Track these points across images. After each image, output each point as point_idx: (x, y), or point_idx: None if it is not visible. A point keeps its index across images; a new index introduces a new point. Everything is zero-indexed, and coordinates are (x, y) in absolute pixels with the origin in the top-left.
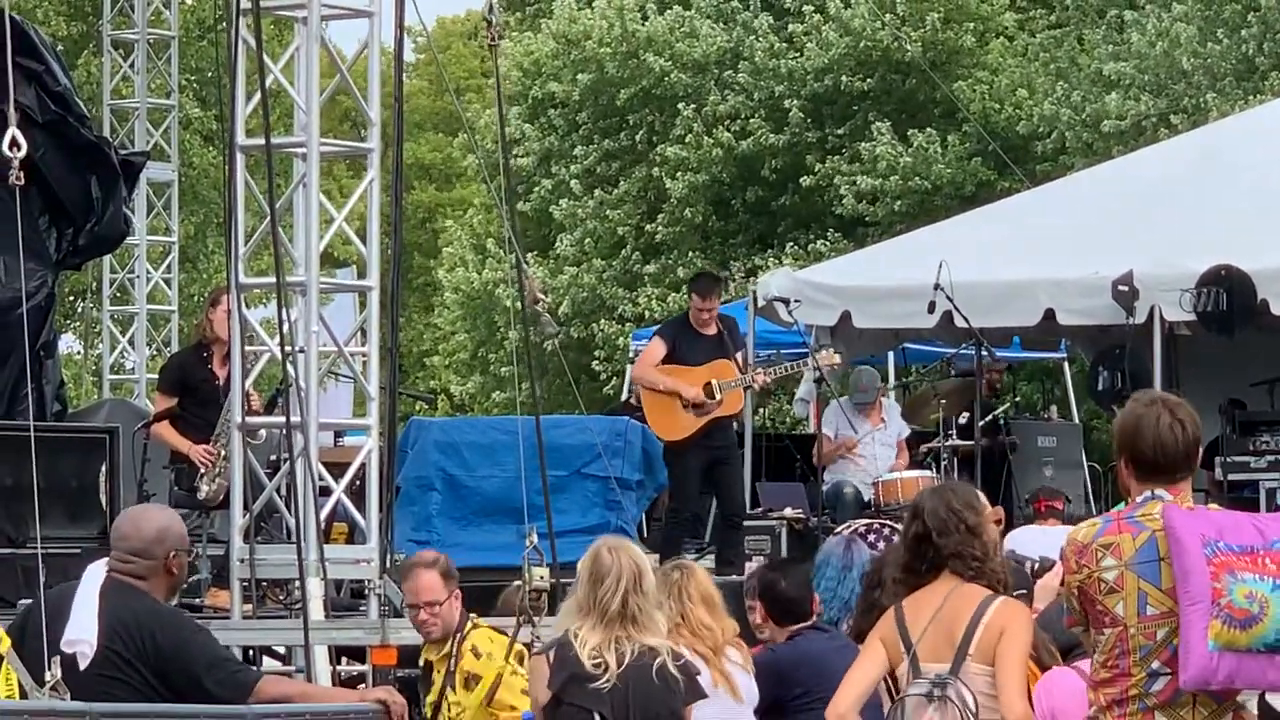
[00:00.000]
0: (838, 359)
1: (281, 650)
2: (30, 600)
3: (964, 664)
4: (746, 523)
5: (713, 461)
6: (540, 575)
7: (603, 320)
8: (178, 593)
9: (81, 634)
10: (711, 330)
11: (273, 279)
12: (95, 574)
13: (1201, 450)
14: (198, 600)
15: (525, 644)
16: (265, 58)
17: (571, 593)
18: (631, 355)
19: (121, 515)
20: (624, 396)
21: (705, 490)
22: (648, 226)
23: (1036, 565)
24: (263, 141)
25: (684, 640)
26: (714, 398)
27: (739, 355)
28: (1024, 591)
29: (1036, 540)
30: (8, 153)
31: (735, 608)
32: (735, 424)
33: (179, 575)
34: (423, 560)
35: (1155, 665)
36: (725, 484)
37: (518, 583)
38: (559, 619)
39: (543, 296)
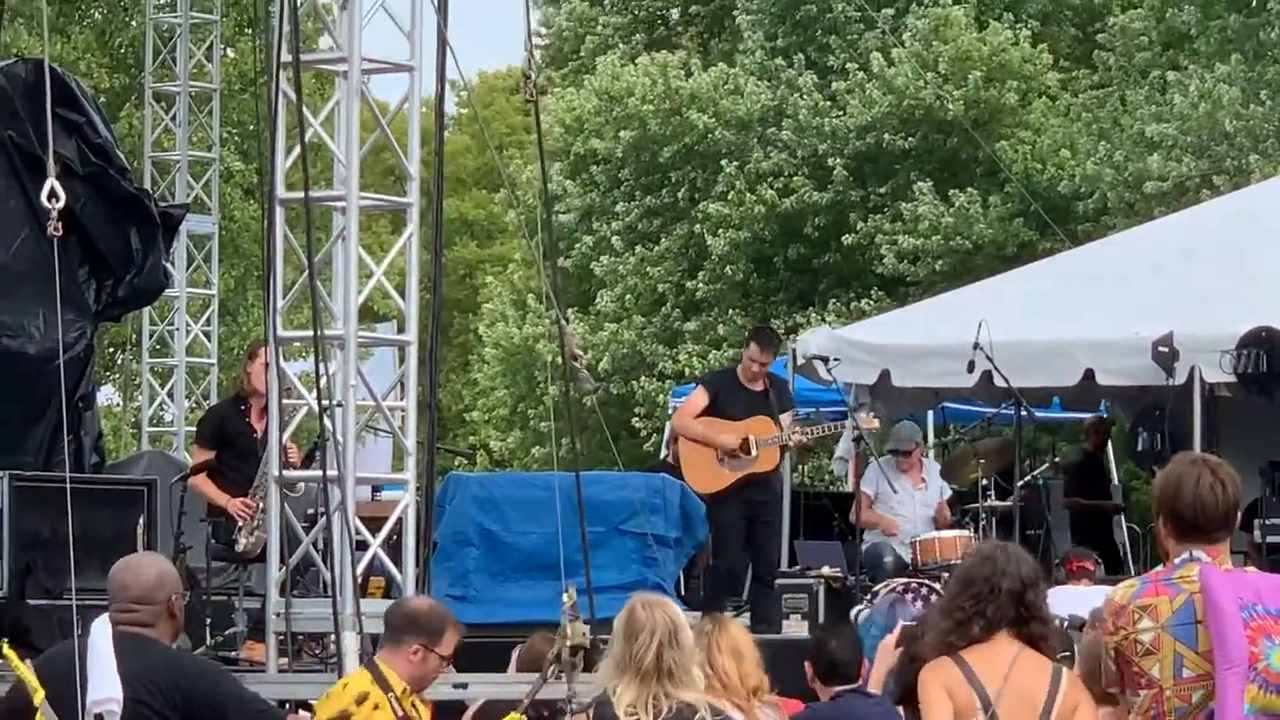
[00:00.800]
0: (876, 422)
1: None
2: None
3: None
4: (784, 580)
5: (751, 518)
6: (582, 631)
7: (643, 377)
8: (180, 635)
9: (107, 692)
10: (758, 386)
11: (311, 332)
12: (102, 630)
13: (1241, 512)
14: (234, 653)
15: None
16: (305, 111)
17: (609, 651)
18: (671, 412)
19: (116, 567)
20: (663, 454)
21: (745, 547)
22: (688, 283)
23: (1066, 623)
24: (302, 195)
25: (714, 692)
26: (750, 453)
27: (785, 416)
28: (1068, 654)
29: (1071, 601)
30: (46, 204)
31: (772, 666)
32: (777, 482)
33: (180, 617)
34: (453, 617)
35: None
36: (761, 542)
37: (540, 633)
38: (597, 677)
39: (581, 353)
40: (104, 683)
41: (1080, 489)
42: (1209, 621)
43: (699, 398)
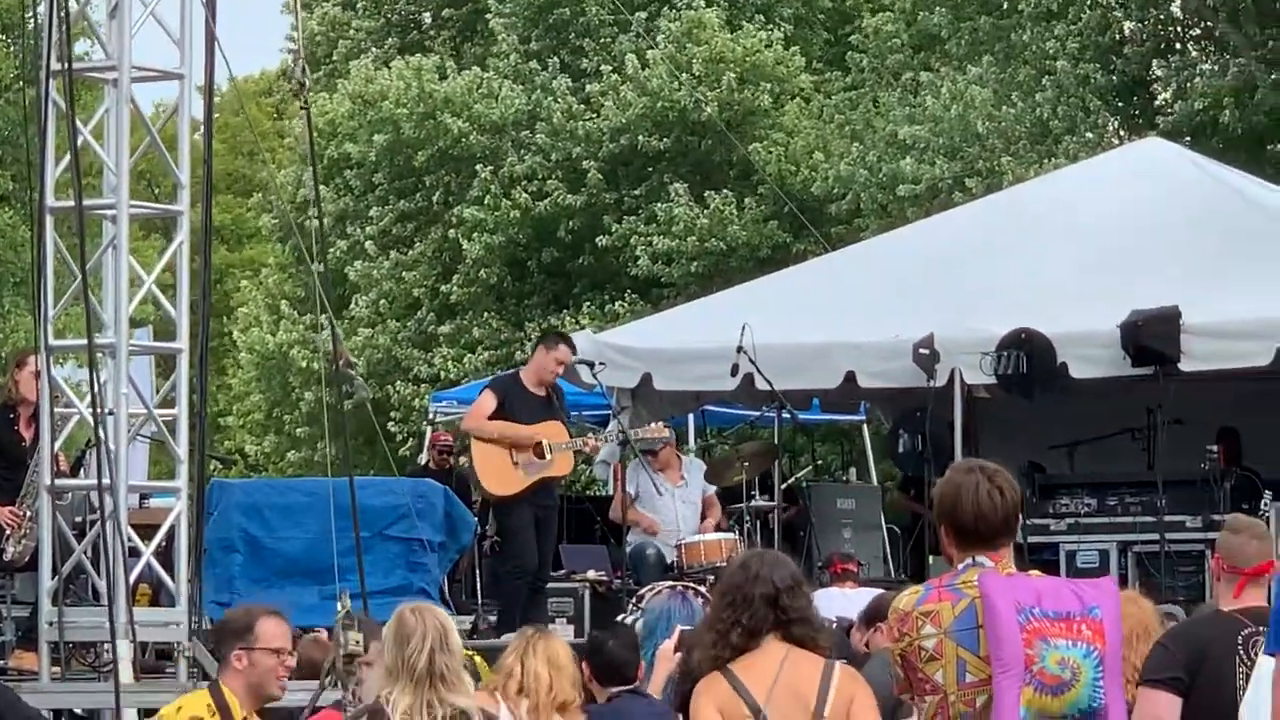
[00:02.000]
0: (668, 432)
1: (80, 712)
2: None
3: None
4: (549, 585)
5: (537, 521)
6: (355, 640)
7: (398, 381)
8: None
9: None
10: (542, 391)
11: (82, 340)
12: None
13: None
14: (2, 662)
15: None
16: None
17: (379, 659)
18: (431, 416)
19: None
20: (421, 459)
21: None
22: (443, 288)
23: (835, 624)
24: (72, 204)
25: (510, 699)
26: (544, 457)
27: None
28: (845, 658)
29: (837, 602)
30: None
31: None
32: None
33: None
34: (267, 608)
35: None
36: (543, 546)
37: (310, 636)
38: (369, 686)
39: (354, 360)
40: None
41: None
42: (987, 627)
43: (489, 400)
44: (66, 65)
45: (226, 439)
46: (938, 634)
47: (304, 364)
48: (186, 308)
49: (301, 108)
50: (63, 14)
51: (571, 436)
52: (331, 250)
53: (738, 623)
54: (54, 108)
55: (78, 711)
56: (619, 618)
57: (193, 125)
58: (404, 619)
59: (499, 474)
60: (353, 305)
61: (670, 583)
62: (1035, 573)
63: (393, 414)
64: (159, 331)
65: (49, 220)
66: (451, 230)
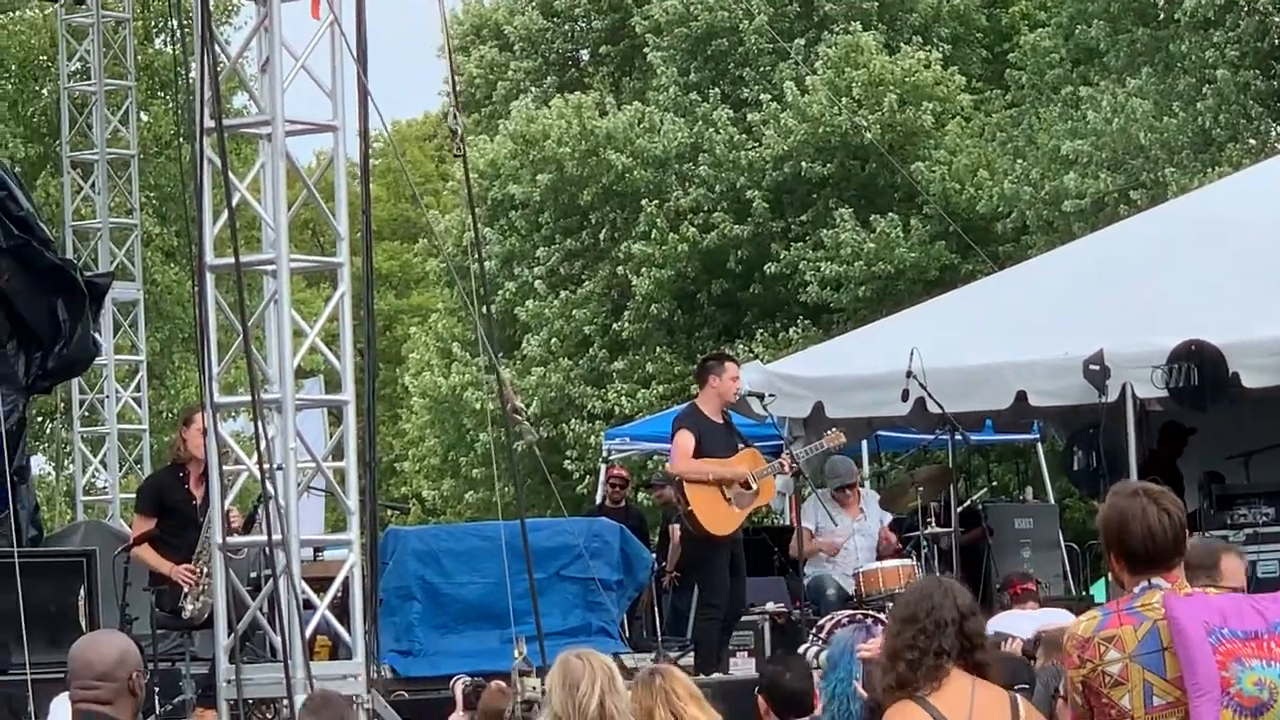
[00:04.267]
0: (843, 438)
1: None
2: None
3: None
4: None
5: (732, 558)
6: (532, 686)
7: (572, 419)
8: (139, 713)
9: None
10: (721, 420)
11: (247, 397)
12: (62, 708)
13: None
14: None
15: None
16: (232, 176)
17: (546, 705)
18: (606, 453)
19: (76, 645)
20: (598, 498)
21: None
22: (614, 324)
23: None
24: (231, 260)
25: None
26: (749, 488)
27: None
28: (1025, 685)
29: (1020, 624)
30: None
31: (726, 706)
32: None
33: (141, 695)
34: None
35: None
36: (734, 585)
37: (495, 685)
38: None
39: (522, 406)
40: None
41: None
42: (1177, 650)
43: (687, 439)
44: (219, 122)
45: (403, 485)
46: (1122, 659)
47: (477, 406)
48: (351, 358)
49: (456, 154)
50: (215, 71)
51: (771, 460)
52: (500, 292)
53: (929, 650)
54: (210, 165)
55: None
56: (800, 649)
57: (351, 174)
58: (570, 665)
59: (717, 514)
60: (524, 345)
61: (850, 612)
62: (1213, 591)
63: (568, 452)
64: (330, 382)
65: (210, 277)
66: (620, 266)
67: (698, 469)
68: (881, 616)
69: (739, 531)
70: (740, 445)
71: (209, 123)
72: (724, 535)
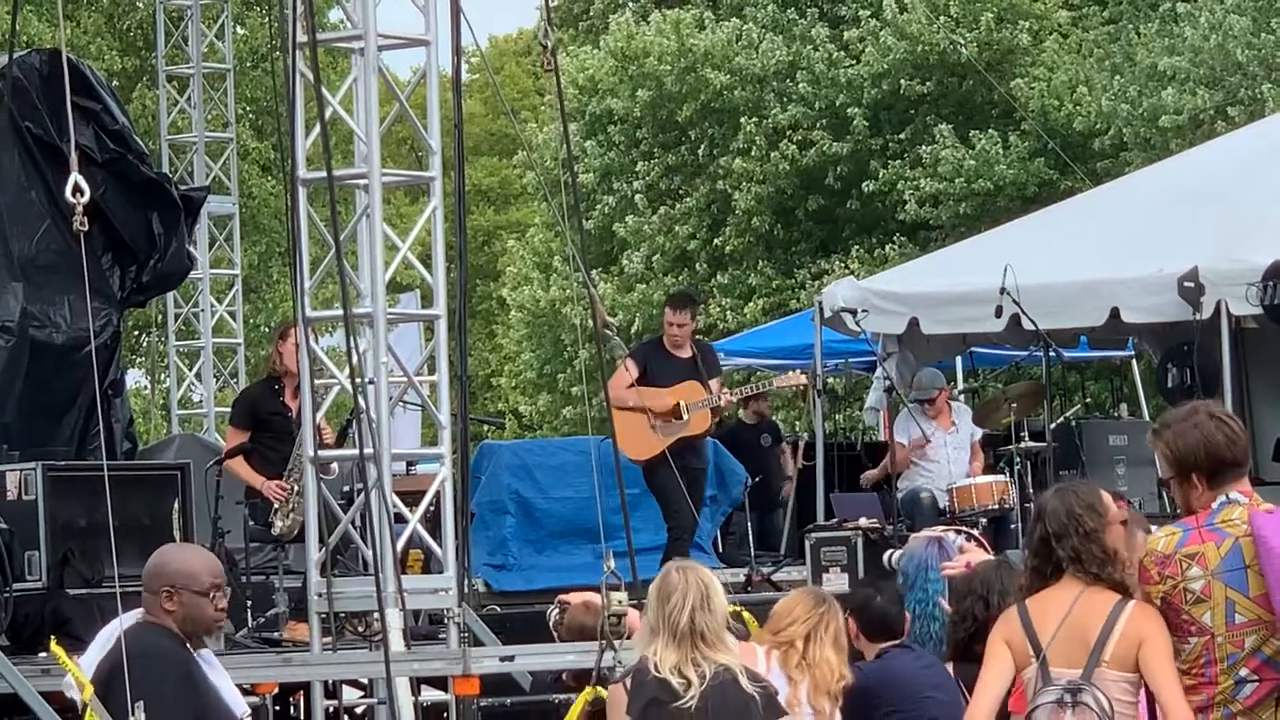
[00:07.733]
0: (803, 379)
1: (364, 681)
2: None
3: (1097, 669)
4: (821, 534)
5: (687, 482)
6: (619, 599)
7: None
8: (203, 629)
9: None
10: (685, 353)
11: (339, 311)
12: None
13: (1273, 445)
14: (277, 634)
15: (607, 669)
16: (324, 90)
17: (644, 617)
18: None
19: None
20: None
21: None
22: (716, 239)
23: None
24: (324, 174)
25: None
26: (681, 417)
27: (714, 381)
28: None
29: None
30: (71, 199)
31: None
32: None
33: (179, 611)
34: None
35: (1243, 673)
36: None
37: (581, 598)
38: (635, 644)
39: (611, 320)
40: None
41: None
42: (1263, 565)
43: (624, 369)
44: (311, 36)
45: (499, 400)
46: (1204, 576)
47: (575, 322)
48: (443, 273)
49: (547, 69)
50: None
51: (710, 394)
52: (599, 206)
53: (1040, 561)
54: (302, 79)
55: (362, 681)
56: (885, 555)
57: (447, 89)
58: (668, 577)
59: (636, 439)
60: (624, 261)
61: (943, 527)
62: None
63: None
64: (425, 297)
65: (302, 192)
66: (720, 182)
67: (621, 397)
68: (975, 533)
69: (697, 457)
70: (694, 380)
71: (301, 37)
72: (641, 459)
